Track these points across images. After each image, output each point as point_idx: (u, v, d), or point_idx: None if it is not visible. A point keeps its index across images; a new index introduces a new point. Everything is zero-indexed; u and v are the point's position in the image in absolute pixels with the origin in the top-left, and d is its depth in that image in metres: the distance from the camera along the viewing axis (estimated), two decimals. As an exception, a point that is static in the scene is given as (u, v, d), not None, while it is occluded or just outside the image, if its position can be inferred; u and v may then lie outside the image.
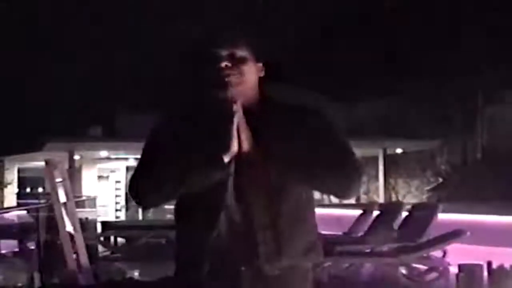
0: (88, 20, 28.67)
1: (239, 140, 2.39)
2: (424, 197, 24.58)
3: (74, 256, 7.19)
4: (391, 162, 25.34)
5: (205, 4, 27.73)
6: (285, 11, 27.80)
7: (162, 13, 28.34)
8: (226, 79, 2.43)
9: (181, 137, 2.45)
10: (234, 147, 2.36)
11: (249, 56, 2.49)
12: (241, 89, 2.45)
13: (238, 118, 2.37)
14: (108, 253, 14.19)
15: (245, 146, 2.40)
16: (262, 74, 2.53)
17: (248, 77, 2.48)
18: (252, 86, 2.50)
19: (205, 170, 2.36)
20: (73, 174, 21.22)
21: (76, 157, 23.17)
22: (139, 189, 2.45)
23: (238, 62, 2.46)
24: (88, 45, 28.12)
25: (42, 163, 8.22)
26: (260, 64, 2.54)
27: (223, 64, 2.44)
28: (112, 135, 25.13)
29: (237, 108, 2.37)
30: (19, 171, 27.84)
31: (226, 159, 2.34)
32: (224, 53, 2.46)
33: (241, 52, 2.48)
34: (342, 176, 2.42)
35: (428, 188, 25.00)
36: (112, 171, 27.06)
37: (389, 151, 24.92)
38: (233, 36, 2.52)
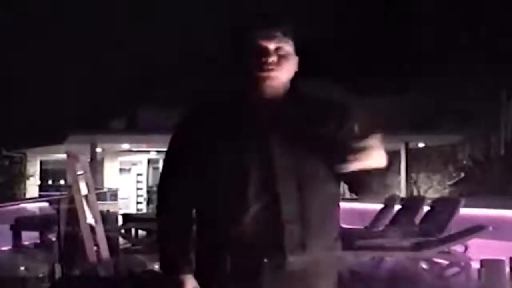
0: (112, 16, 28.74)
1: (266, 130, 2.35)
2: (446, 192, 24.41)
3: (95, 248, 7.21)
4: (413, 156, 25.19)
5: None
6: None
7: (188, 9, 28.36)
8: (268, 74, 2.37)
9: (196, 146, 2.41)
10: None
11: (292, 50, 2.42)
12: (278, 84, 2.40)
13: None
14: (129, 245, 14.23)
15: (275, 138, 2.35)
16: (297, 68, 2.47)
17: (288, 72, 2.42)
18: (287, 80, 2.44)
19: None
20: (95, 167, 21.32)
21: (98, 149, 23.27)
22: (165, 202, 2.53)
23: (282, 57, 2.39)
24: (112, 39, 28.20)
25: (64, 156, 8.25)
26: (297, 58, 2.47)
27: (271, 59, 2.37)
28: (134, 128, 25.19)
29: None
30: (41, 163, 28.02)
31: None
32: (272, 46, 2.38)
33: (286, 47, 2.40)
34: (383, 178, 2.42)
35: (450, 182, 24.83)
36: (134, 164, 27.15)
37: (411, 145, 24.77)
38: (281, 28, 2.41)
